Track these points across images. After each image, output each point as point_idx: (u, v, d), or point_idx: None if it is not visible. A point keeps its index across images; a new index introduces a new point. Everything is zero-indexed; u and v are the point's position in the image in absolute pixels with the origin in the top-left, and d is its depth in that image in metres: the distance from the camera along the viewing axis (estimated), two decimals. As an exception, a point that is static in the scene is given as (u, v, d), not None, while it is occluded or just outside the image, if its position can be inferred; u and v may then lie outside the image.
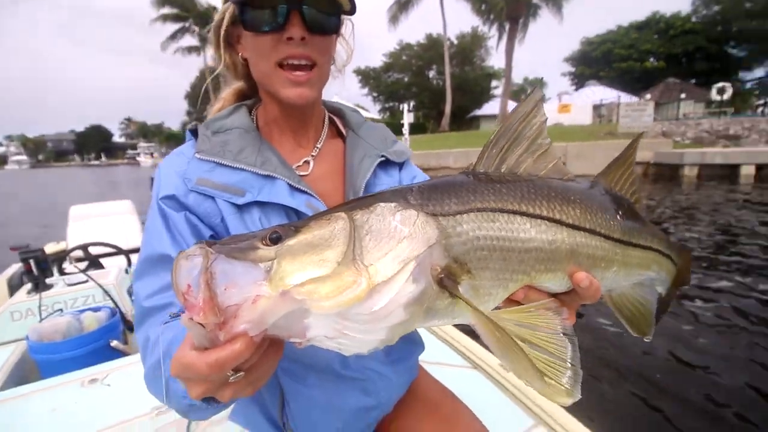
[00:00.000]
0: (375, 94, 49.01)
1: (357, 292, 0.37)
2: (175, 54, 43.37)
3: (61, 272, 2.79)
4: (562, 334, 0.44)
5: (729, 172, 13.22)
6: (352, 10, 0.74)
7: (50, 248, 3.79)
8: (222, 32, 0.77)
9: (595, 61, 40.52)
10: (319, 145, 0.85)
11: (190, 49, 44.16)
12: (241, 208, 0.71)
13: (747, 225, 7.57)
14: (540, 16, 28.70)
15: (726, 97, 21.49)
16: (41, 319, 2.19)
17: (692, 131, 17.38)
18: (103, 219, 3.72)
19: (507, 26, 28.77)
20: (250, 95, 0.88)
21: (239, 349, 0.37)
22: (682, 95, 25.91)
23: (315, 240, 0.40)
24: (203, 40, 43.82)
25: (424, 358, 1.03)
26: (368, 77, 47.92)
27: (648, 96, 25.49)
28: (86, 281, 2.49)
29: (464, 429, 0.91)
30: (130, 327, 2.34)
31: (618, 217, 0.55)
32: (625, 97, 25.13)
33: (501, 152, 0.52)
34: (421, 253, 0.41)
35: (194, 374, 0.39)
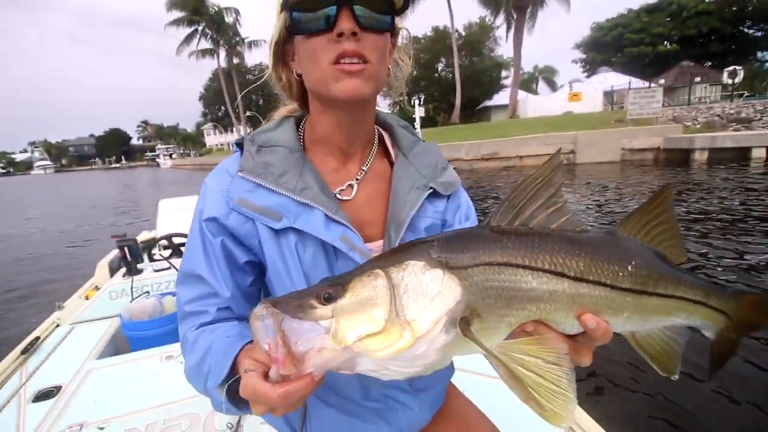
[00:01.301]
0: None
1: (403, 344, 0.46)
2: (189, 58, 44.14)
3: (151, 258, 3.23)
4: (557, 366, 0.50)
5: (739, 155, 13.16)
6: (405, 5, 0.72)
7: (143, 236, 4.33)
8: (273, 47, 0.77)
9: (606, 47, 39.60)
10: (365, 168, 0.81)
11: (204, 52, 44.80)
12: (278, 232, 0.71)
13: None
14: (547, 4, 28.29)
15: (738, 80, 20.98)
16: (132, 300, 2.56)
17: (703, 116, 17.13)
18: (185, 212, 4.21)
19: (514, 16, 28.49)
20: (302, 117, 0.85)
21: (305, 385, 0.47)
22: (697, 79, 25.33)
23: (362, 299, 0.49)
24: (216, 42, 44.41)
25: (461, 367, 1.06)
26: (377, 72, 47.62)
27: (661, 81, 24.97)
28: (169, 268, 2.91)
29: None
30: None
31: (629, 267, 0.57)
32: (637, 83, 24.66)
33: (516, 208, 0.57)
34: (451, 308, 0.49)
35: (264, 400, 0.49)
